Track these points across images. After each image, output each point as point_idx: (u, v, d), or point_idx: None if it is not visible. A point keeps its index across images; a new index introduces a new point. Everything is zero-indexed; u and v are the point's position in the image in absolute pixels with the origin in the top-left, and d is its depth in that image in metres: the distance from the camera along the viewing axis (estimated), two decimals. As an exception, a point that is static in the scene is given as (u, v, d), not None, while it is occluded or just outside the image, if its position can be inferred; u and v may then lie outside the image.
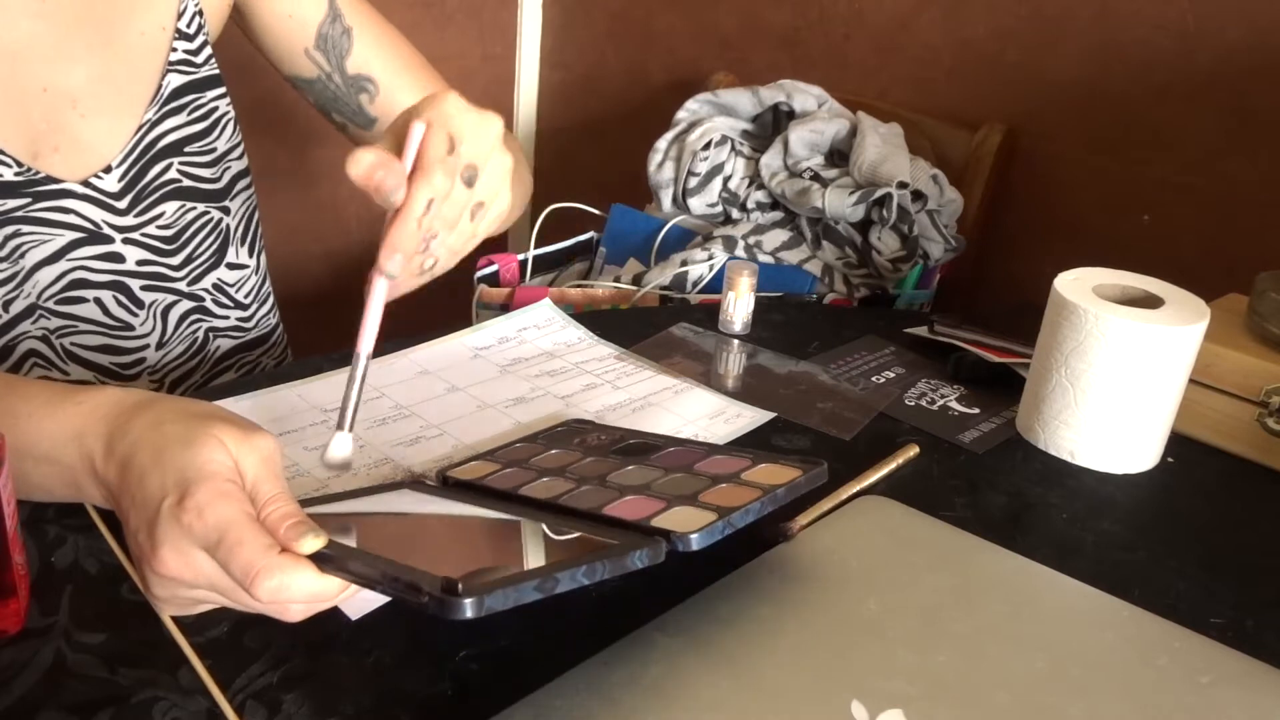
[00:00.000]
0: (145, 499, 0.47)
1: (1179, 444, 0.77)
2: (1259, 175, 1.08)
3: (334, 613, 0.53)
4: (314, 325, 1.15)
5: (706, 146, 1.19)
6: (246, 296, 0.90)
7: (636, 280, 1.12)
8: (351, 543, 0.47)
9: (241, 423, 0.50)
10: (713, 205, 1.20)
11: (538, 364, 0.81)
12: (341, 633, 0.52)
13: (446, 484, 0.62)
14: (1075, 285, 0.74)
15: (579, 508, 0.54)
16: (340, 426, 0.53)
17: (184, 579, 0.46)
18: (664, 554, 0.47)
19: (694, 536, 0.48)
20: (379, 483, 0.62)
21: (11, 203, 0.73)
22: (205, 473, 0.46)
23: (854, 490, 0.67)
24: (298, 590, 0.44)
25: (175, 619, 0.52)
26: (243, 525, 0.45)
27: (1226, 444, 0.78)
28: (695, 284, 1.09)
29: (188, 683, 0.48)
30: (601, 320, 0.90)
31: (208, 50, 0.82)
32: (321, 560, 0.45)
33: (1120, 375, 0.71)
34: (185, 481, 0.46)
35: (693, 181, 1.19)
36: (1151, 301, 0.74)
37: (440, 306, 0.96)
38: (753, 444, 0.73)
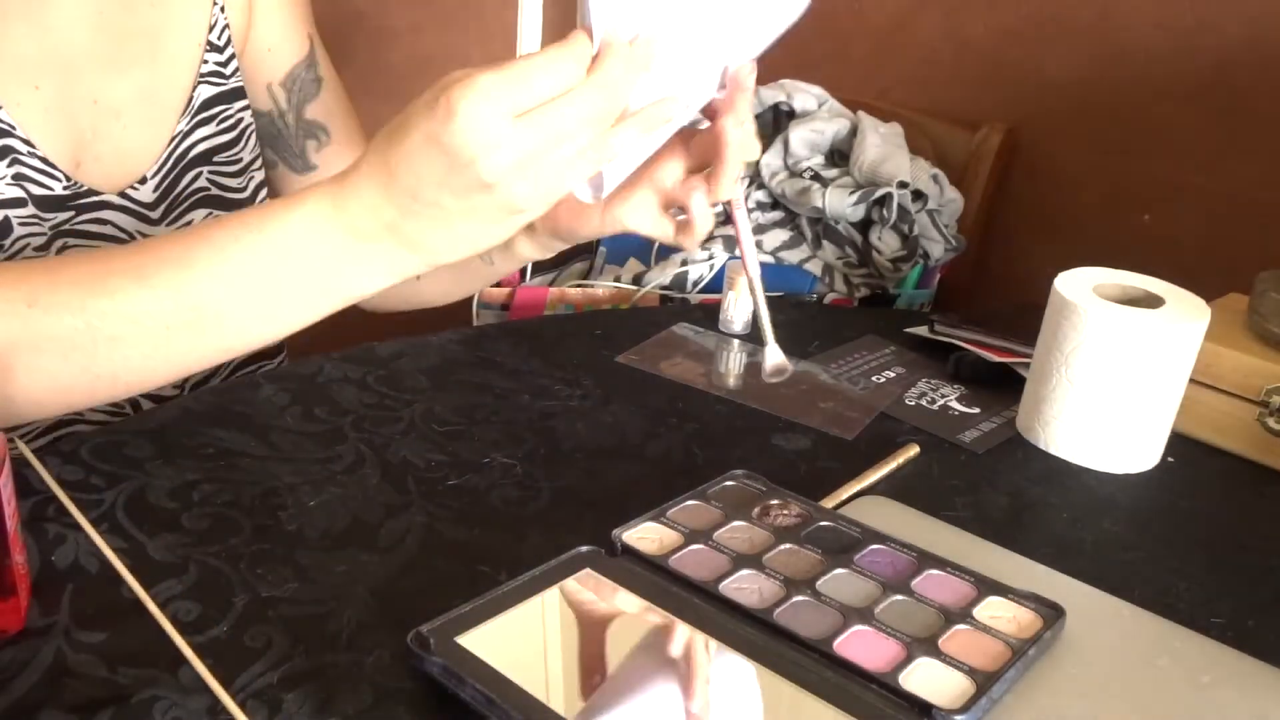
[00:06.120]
0: (408, 146, 0.49)
1: (1179, 444, 0.77)
2: (1259, 175, 1.08)
3: (334, 612, 0.53)
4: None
5: (707, 146, 1.19)
6: None
7: (636, 280, 1.12)
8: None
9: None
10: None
11: None
12: (342, 632, 0.52)
13: (625, 552, 0.57)
14: (1075, 285, 0.74)
15: (804, 636, 0.51)
16: (766, 343, 0.62)
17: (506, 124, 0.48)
18: None
19: (960, 719, 0.46)
20: (557, 559, 0.56)
21: (60, 216, 0.74)
22: (441, 83, 0.48)
23: (854, 490, 0.67)
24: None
25: (175, 621, 0.52)
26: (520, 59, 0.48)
27: (1226, 444, 0.78)
28: (695, 284, 1.09)
29: (188, 682, 0.48)
30: (602, 320, 0.90)
31: (235, 63, 0.83)
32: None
33: (1120, 375, 0.71)
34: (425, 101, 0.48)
35: (693, 181, 1.19)
36: (1151, 301, 0.74)
37: (440, 306, 0.96)
38: (755, 442, 0.73)
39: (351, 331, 0.96)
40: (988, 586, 0.55)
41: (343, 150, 0.88)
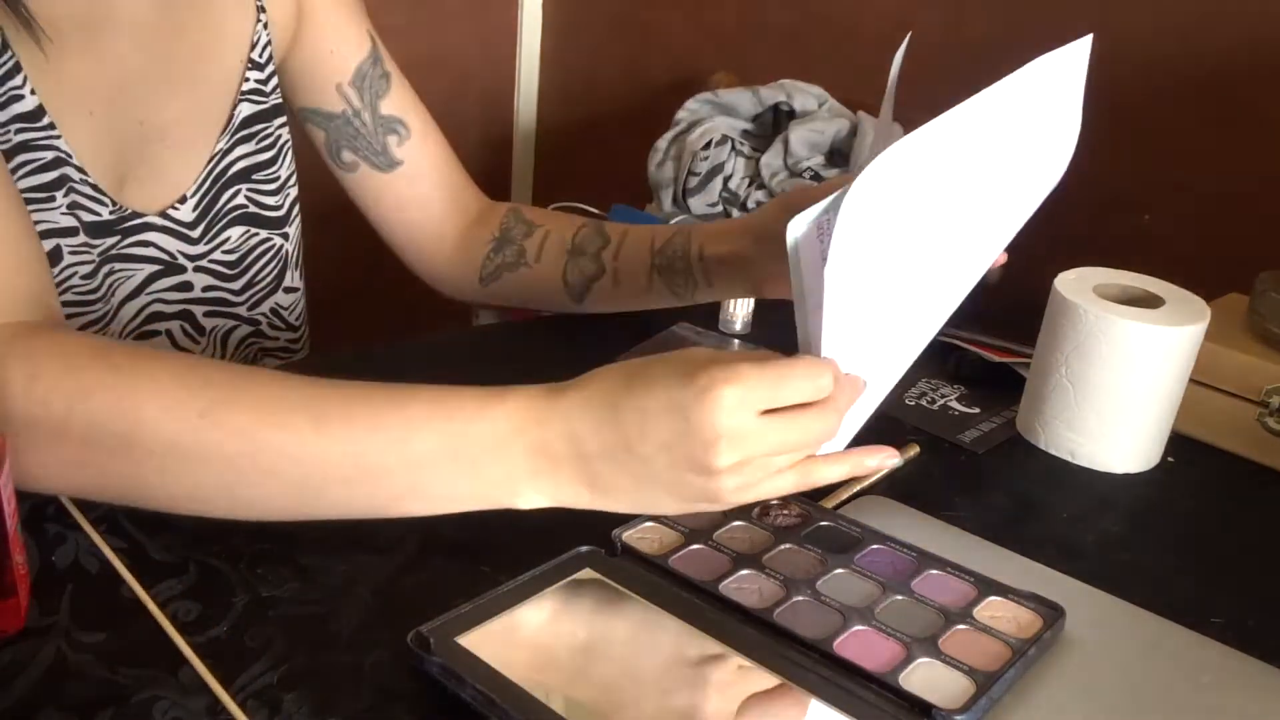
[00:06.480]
0: (654, 409, 0.49)
1: (1179, 444, 0.77)
2: (1259, 175, 1.08)
3: (334, 612, 0.53)
4: (330, 315, 1.14)
5: (707, 146, 1.19)
6: (297, 319, 0.90)
7: (636, 280, 1.11)
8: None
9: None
10: (713, 205, 1.20)
11: None
12: (342, 632, 0.52)
13: (625, 552, 0.57)
14: (1075, 285, 0.74)
15: (804, 636, 0.51)
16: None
17: (753, 434, 0.48)
18: None
19: (960, 719, 0.46)
20: (557, 559, 0.56)
21: (108, 241, 0.74)
22: (696, 357, 0.50)
23: (854, 490, 0.67)
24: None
25: (174, 621, 0.52)
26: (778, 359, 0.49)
27: (1226, 444, 0.78)
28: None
29: (188, 682, 0.48)
30: (603, 320, 0.90)
31: (275, 80, 0.82)
32: None
33: (1120, 375, 0.71)
34: (686, 368, 0.49)
35: (693, 181, 1.19)
36: (1151, 301, 0.74)
37: (440, 306, 0.96)
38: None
39: (352, 331, 0.96)
40: (988, 586, 0.55)
41: (423, 143, 0.87)
